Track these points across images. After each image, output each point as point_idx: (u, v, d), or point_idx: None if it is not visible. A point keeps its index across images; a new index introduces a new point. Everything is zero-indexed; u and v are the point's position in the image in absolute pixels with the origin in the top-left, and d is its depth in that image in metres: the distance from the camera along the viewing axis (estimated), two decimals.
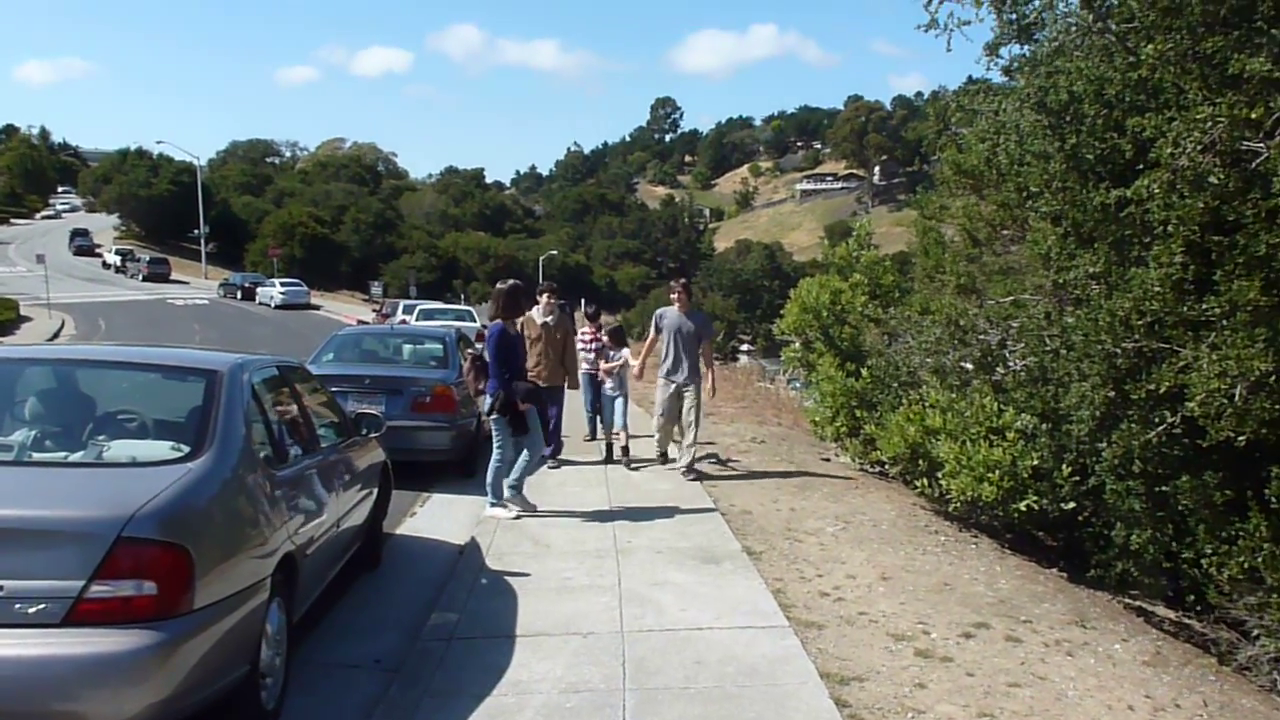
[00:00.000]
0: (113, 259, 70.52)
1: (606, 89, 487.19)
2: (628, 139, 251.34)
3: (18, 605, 3.45)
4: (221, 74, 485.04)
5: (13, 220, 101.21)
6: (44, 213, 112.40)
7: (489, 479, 8.45)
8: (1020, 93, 7.56)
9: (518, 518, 8.26)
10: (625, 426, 10.78)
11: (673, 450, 10.64)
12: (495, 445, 8.42)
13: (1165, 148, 6.16)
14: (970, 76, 9.26)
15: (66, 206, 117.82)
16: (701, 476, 9.96)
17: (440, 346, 11.74)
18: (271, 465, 4.82)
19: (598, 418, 11.91)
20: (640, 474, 10.30)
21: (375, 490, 7.01)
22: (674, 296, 9.86)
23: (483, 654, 5.29)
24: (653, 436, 10.98)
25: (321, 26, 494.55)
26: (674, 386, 9.84)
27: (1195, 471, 7.15)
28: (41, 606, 3.46)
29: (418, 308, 32.64)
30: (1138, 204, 6.55)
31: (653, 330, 10.08)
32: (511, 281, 8.59)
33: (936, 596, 6.37)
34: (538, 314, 10.33)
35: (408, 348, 12.29)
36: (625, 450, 10.79)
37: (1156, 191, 6.32)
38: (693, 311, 9.98)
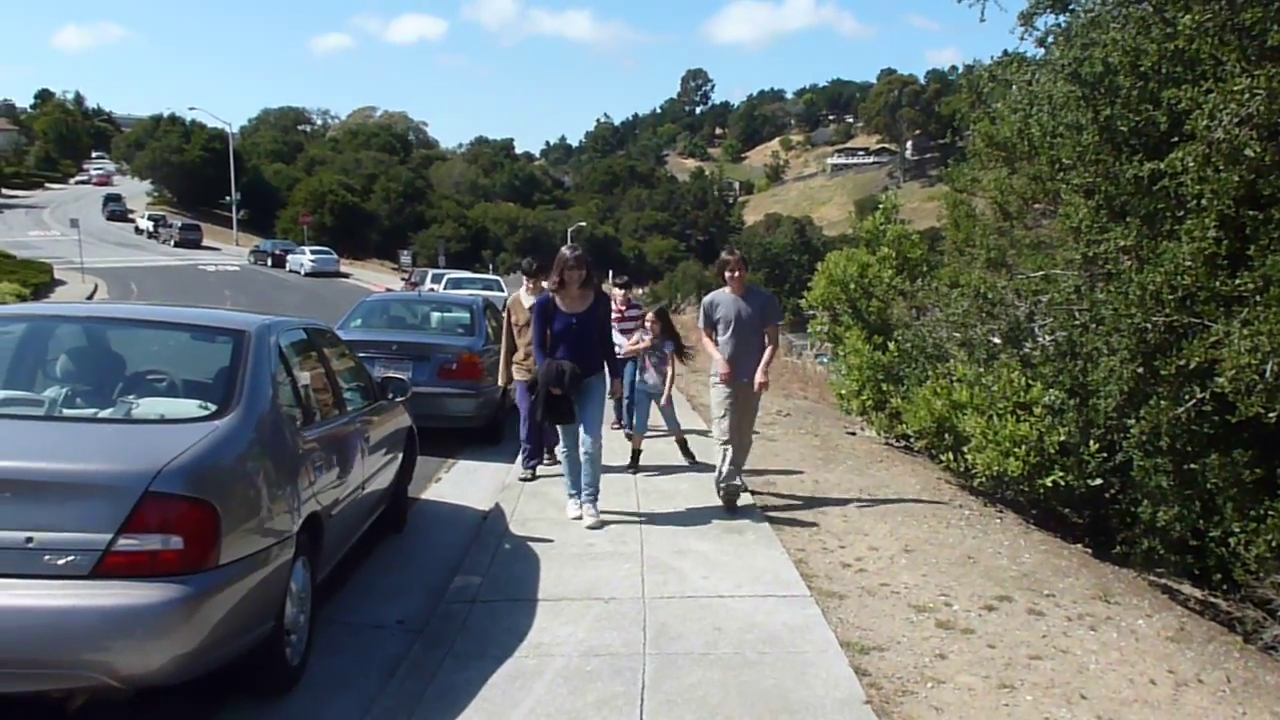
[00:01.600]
0: (145, 224, 71.08)
1: (639, 61, 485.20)
2: (658, 111, 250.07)
3: (47, 557, 3.51)
4: (257, 41, 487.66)
5: (47, 185, 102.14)
6: (78, 178, 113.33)
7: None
8: (1054, 64, 7.46)
9: (598, 523, 7.16)
10: (645, 430, 9.42)
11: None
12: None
13: (1201, 120, 6.07)
14: (1005, 51, 9.12)
15: (100, 171, 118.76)
16: (731, 500, 7.82)
17: (467, 314, 11.78)
18: (298, 425, 4.87)
19: (627, 404, 9.98)
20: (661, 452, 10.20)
21: (401, 454, 7.07)
22: (728, 274, 7.62)
23: (505, 617, 5.33)
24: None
25: None
26: (735, 389, 7.55)
27: (1224, 449, 7.09)
28: (70, 558, 3.52)
29: (446, 277, 32.79)
30: (1171, 177, 6.46)
31: (702, 323, 7.83)
32: (572, 250, 7.34)
33: (959, 569, 6.36)
34: (525, 296, 9.09)
35: (435, 315, 12.34)
36: (636, 457, 9.30)
37: (1191, 165, 6.23)
38: (753, 289, 7.83)
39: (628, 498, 8.03)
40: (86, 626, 3.47)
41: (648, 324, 9.54)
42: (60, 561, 3.52)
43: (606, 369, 7.34)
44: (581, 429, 7.24)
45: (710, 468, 8.24)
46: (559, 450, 7.68)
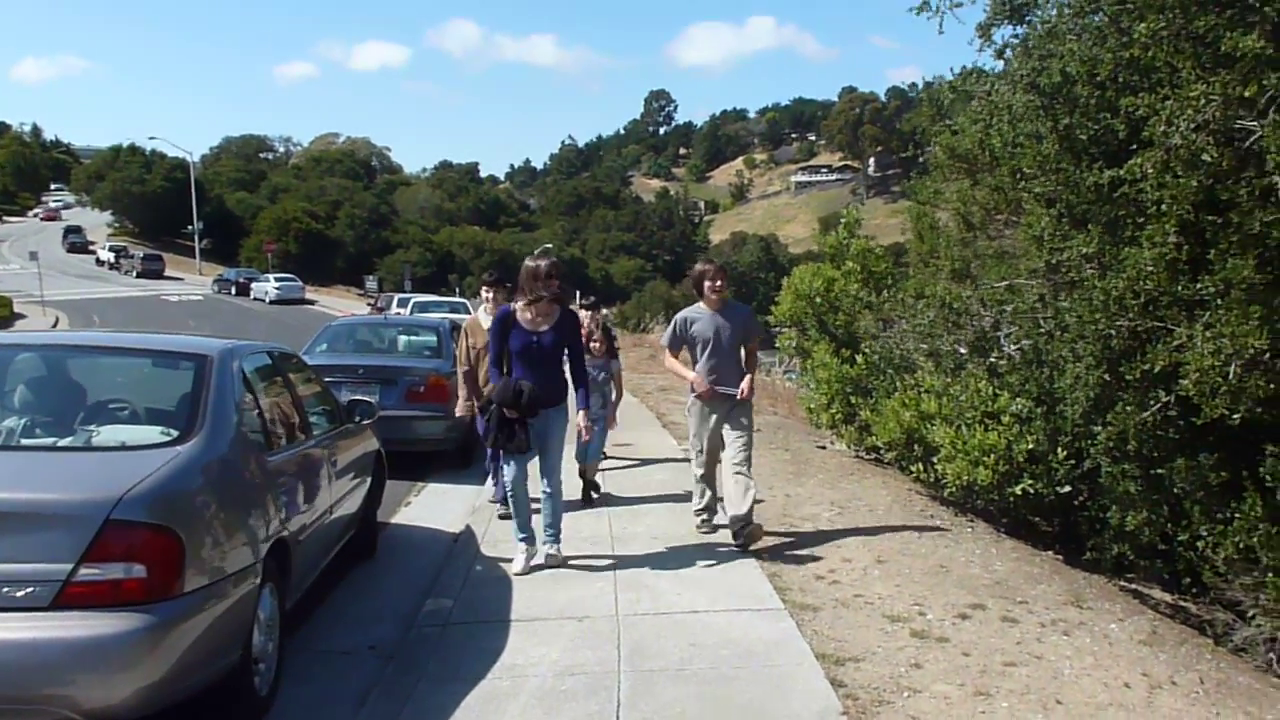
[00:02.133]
0: (106, 256, 70.43)
1: (604, 84, 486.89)
2: (622, 132, 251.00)
3: (5, 589, 3.43)
4: (221, 70, 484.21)
5: (5, 218, 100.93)
6: (36, 210, 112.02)
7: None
8: (1013, 75, 7.53)
9: (560, 562, 6.63)
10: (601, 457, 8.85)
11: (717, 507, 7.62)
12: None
13: (1158, 126, 6.14)
14: (964, 68, 9.22)
15: (60, 204, 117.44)
16: (752, 542, 6.94)
17: (434, 337, 11.72)
18: (262, 450, 4.80)
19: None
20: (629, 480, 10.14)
21: (369, 478, 6.99)
22: (708, 286, 7.01)
23: (478, 639, 5.27)
24: (606, 466, 9.35)
25: (321, 22, 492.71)
26: (713, 411, 7.08)
27: (1190, 453, 7.14)
28: (30, 590, 3.44)
29: (411, 300, 32.64)
30: (1131, 184, 6.52)
31: (668, 340, 7.25)
32: (541, 257, 6.77)
33: (932, 579, 6.36)
34: (484, 317, 8.14)
35: (402, 338, 12.27)
36: (594, 487, 8.66)
37: (1150, 171, 6.30)
38: (731, 305, 7.21)
39: (598, 518, 7.99)
40: (47, 659, 3.40)
41: (592, 345, 8.58)
42: (19, 593, 3.44)
43: (575, 398, 6.56)
44: (538, 464, 6.53)
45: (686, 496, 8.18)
46: (505, 480, 6.75)
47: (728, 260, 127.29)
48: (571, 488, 8.10)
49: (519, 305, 6.38)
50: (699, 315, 7.12)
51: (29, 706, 3.42)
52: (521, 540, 6.54)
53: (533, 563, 6.51)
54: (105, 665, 3.45)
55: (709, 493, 7.44)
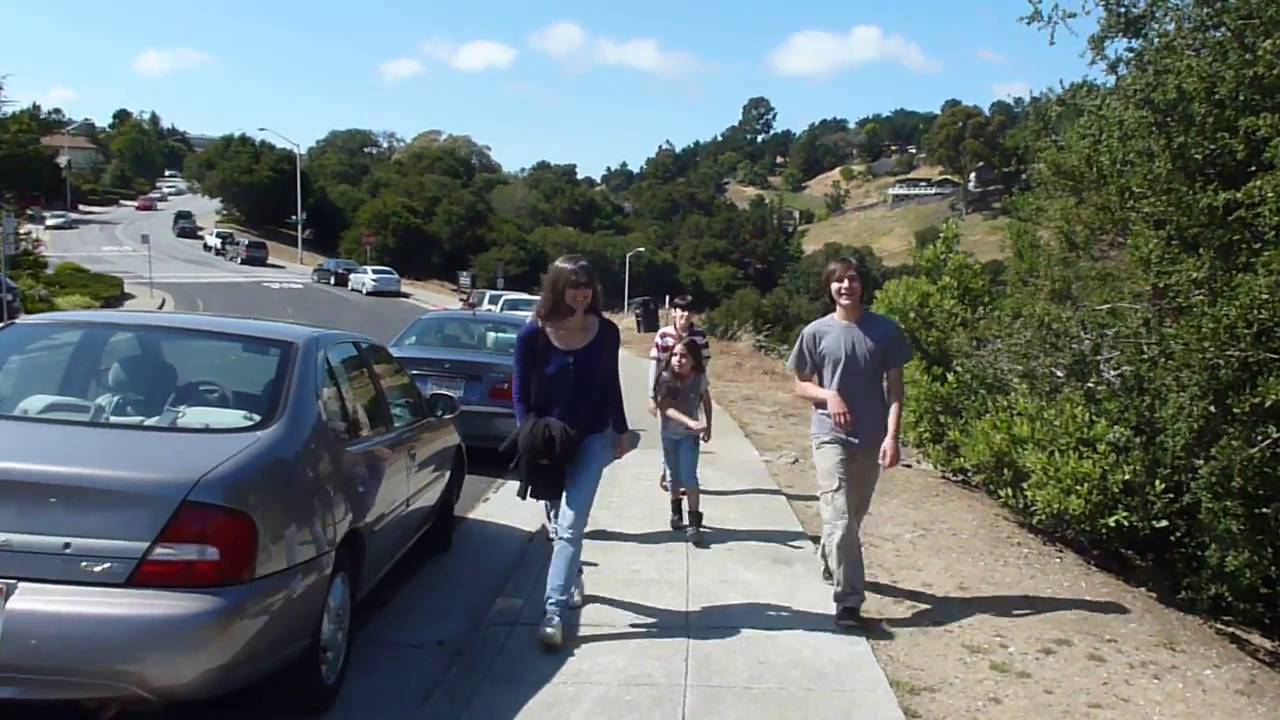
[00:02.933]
0: (213, 242, 72.80)
1: (703, 90, 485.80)
2: (719, 139, 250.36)
3: (84, 563, 3.48)
4: (330, 66, 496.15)
5: (122, 202, 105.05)
6: (150, 195, 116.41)
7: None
8: (1125, 89, 7.24)
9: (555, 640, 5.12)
10: (697, 482, 7.73)
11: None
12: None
13: None
14: (1074, 82, 8.91)
15: (173, 190, 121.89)
16: (866, 624, 5.63)
17: None
18: (342, 439, 4.83)
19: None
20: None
21: (448, 472, 7.01)
22: (838, 290, 5.67)
23: None
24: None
25: (429, 20, 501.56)
26: (849, 450, 5.67)
27: None
28: (107, 565, 3.48)
29: (502, 298, 33.02)
30: (1248, 207, 6.22)
31: (794, 362, 5.95)
32: (571, 258, 5.48)
33: (1016, 610, 6.13)
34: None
35: (490, 335, 12.35)
36: (696, 516, 7.60)
37: (1270, 195, 6.00)
38: (872, 318, 5.97)
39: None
40: (120, 635, 3.44)
41: (675, 361, 7.63)
42: (97, 568, 3.49)
43: (612, 423, 5.55)
44: (568, 493, 5.41)
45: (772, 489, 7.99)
46: (551, 528, 5.82)
47: (821, 270, 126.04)
48: (648, 516, 7.88)
49: (544, 320, 5.37)
50: (830, 328, 5.78)
51: (100, 681, 3.46)
52: (551, 605, 5.26)
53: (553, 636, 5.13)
54: (175, 645, 3.48)
55: (845, 566, 5.64)
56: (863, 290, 5.78)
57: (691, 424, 7.57)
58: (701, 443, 7.79)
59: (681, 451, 7.67)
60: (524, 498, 5.57)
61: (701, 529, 7.55)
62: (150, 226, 65.57)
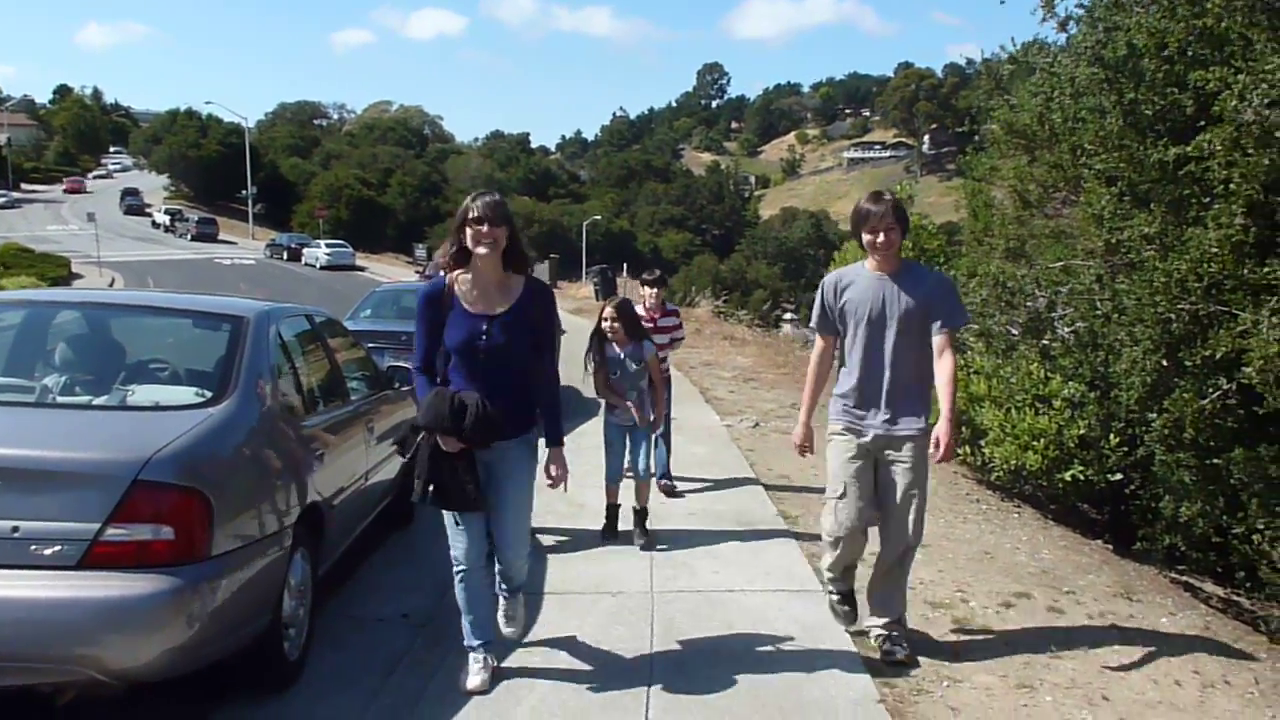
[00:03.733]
0: (162, 219, 71.48)
1: (658, 56, 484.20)
2: (674, 105, 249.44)
3: (33, 546, 3.40)
4: (279, 36, 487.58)
5: (75, 176, 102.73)
6: (96, 172, 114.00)
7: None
8: (1077, 47, 7.27)
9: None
10: (652, 473, 6.74)
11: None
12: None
13: (1229, 101, 5.90)
14: (1025, 42, 8.92)
15: (118, 166, 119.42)
16: (906, 663, 4.61)
17: None
18: (297, 414, 4.76)
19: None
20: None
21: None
22: (871, 236, 4.42)
23: None
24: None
25: None
26: (868, 441, 4.53)
27: (1250, 443, 6.91)
28: (58, 548, 3.40)
29: None
30: (1198, 162, 6.29)
31: (817, 320, 4.72)
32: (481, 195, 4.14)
33: (976, 565, 6.20)
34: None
35: None
36: (642, 515, 6.53)
37: (1219, 148, 6.06)
38: (912, 268, 4.64)
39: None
40: (74, 618, 3.36)
41: (606, 325, 6.44)
42: (47, 551, 3.41)
43: (544, 429, 4.28)
44: (494, 530, 4.26)
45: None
46: (454, 556, 4.33)
47: (778, 234, 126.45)
48: (590, 516, 6.91)
49: (454, 273, 4.18)
50: (858, 277, 4.54)
51: (56, 666, 3.40)
52: (472, 650, 4.39)
53: (476, 684, 4.27)
54: (132, 626, 3.41)
55: (844, 567, 4.84)
56: (900, 237, 4.45)
57: (633, 409, 6.47)
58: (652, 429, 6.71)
59: (632, 442, 6.61)
60: (422, 500, 4.13)
61: (648, 531, 6.48)
62: (97, 204, 64.24)
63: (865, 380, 4.48)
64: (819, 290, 4.68)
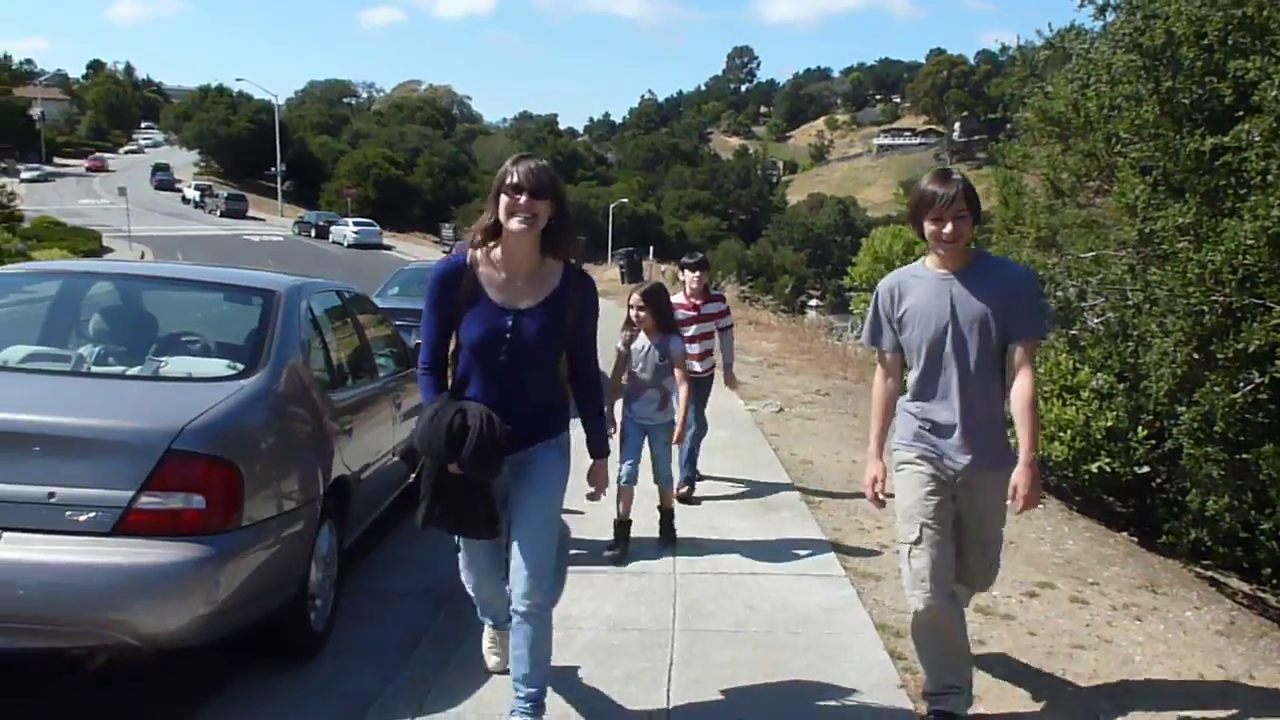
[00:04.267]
0: (192, 194, 72.03)
1: (686, 38, 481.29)
2: (703, 89, 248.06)
3: (69, 513, 3.45)
4: (309, 14, 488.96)
5: (98, 154, 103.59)
6: (127, 147, 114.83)
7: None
8: (1114, 34, 7.19)
9: None
10: (673, 481, 6.25)
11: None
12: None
13: (1270, 91, 5.82)
14: (1061, 28, 8.81)
15: (149, 142, 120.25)
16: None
17: None
18: (326, 388, 4.80)
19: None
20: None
21: None
22: (934, 227, 3.58)
23: None
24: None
25: None
26: (942, 469, 3.73)
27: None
28: (92, 515, 3.46)
29: None
30: (1235, 152, 6.21)
31: (868, 335, 3.96)
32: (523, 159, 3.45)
33: (1000, 555, 6.18)
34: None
35: None
36: (668, 515, 6.09)
37: (1257, 139, 5.98)
38: (987, 262, 3.80)
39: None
40: (107, 584, 3.42)
41: (632, 313, 5.91)
42: (82, 518, 3.46)
43: (589, 438, 3.82)
44: (515, 553, 3.52)
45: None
46: (466, 581, 4.06)
47: (805, 220, 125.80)
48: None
49: (477, 252, 3.51)
50: (915, 279, 3.73)
51: (88, 630, 3.46)
52: (489, 623, 4.16)
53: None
54: (162, 593, 3.46)
55: (937, 656, 3.89)
56: (970, 228, 3.60)
57: (676, 426, 5.98)
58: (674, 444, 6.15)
59: (653, 444, 6.02)
60: (423, 527, 3.57)
61: (674, 535, 6.06)
62: (128, 179, 64.73)
63: (937, 403, 3.67)
64: (873, 299, 3.85)
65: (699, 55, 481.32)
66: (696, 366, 6.96)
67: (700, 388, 7.08)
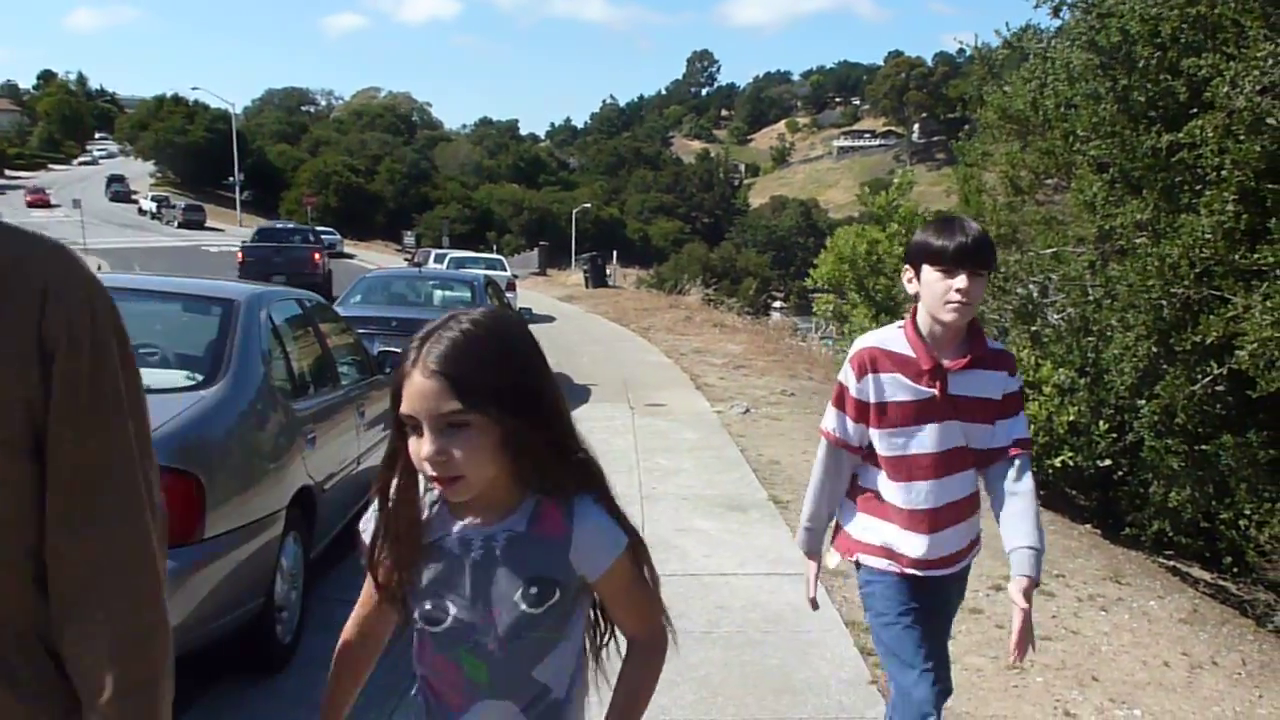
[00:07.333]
0: (148, 205, 71.00)
1: (651, 41, 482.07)
2: (664, 93, 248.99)
3: None
4: (270, 20, 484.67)
5: (50, 166, 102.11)
6: (81, 159, 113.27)
7: None
8: (1071, 32, 7.27)
9: None
10: None
11: None
12: None
13: (1221, 88, 5.91)
14: (1019, 27, 8.91)
15: (104, 153, 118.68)
16: None
17: (469, 291, 11.65)
18: (289, 397, 4.73)
19: None
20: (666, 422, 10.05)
21: None
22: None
23: None
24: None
25: None
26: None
27: (1239, 429, 6.94)
28: None
29: (449, 256, 32.63)
30: (1190, 148, 6.30)
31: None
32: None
33: None
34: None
35: (436, 292, 12.20)
36: None
37: (1210, 135, 6.07)
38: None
39: (629, 475, 7.91)
40: None
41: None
42: None
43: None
44: None
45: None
46: None
47: (768, 223, 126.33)
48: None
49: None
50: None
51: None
52: None
53: None
54: None
55: None
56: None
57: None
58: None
59: None
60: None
61: None
62: (82, 191, 63.75)
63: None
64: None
65: (661, 60, 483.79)
66: None
67: None
